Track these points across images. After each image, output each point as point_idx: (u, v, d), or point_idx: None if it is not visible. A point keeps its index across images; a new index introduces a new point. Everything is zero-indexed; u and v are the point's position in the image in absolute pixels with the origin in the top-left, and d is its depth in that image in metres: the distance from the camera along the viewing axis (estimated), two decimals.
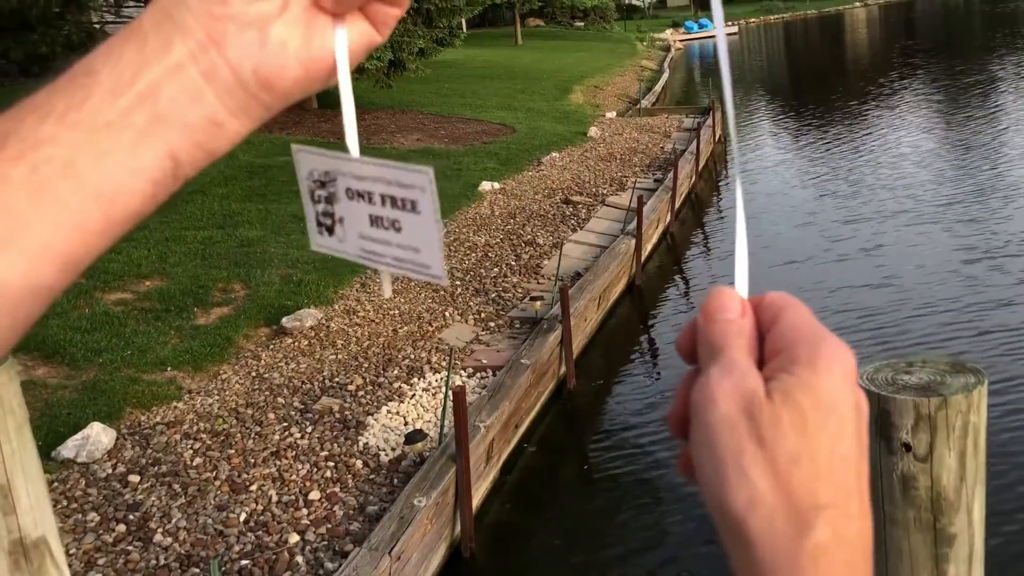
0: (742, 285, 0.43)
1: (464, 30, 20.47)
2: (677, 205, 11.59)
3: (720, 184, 14.26)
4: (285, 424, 5.46)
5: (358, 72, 15.49)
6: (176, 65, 0.42)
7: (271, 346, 6.58)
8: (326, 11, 0.45)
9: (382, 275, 0.50)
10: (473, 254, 8.86)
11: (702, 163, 14.02)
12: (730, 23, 51.23)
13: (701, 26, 48.75)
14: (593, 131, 15.92)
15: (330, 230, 0.51)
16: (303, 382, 6.03)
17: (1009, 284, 8.18)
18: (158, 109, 0.41)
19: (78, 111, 0.40)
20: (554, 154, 13.79)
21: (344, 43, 0.45)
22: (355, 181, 0.48)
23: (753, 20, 55.93)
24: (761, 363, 0.40)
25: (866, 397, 0.40)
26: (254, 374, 6.14)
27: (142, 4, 18.54)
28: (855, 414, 0.39)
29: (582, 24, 43.73)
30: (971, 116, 17.01)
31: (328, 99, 17.51)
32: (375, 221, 0.47)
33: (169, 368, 6.12)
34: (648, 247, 9.95)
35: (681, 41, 44.34)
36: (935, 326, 7.41)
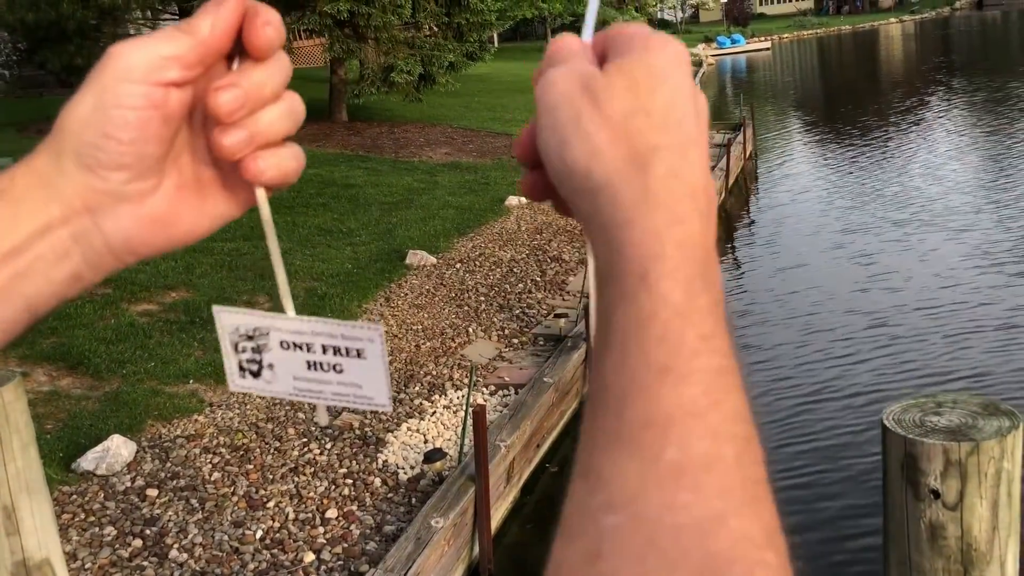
0: (587, 35, 0.46)
1: (495, 44, 20.54)
2: None
3: (750, 200, 14.11)
4: (305, 439, 5.44)
5: (388, 86, 15.58)
6: (46, 226, 0.44)
7: None
8: (206, 182, 0.49)
9: (318, 406, 0.51)
10: (498, 269, 8.82)
11: (732, 179, 13.89)
12: (763, 38, 50.97)
13: (734, 41, 48.52)
14: None
15: (256, 374, 0.52)
16: None
17: None
18: (20, 267, 0.44)
19: None
20: None
21: (266, 204, 0.49)
22: (292, 335, 0.49)
23: (786, 36, 55.55)
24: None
25: (704, 97, 0.43)
26: None
27: (177, 16, 18.81)
28: (690, 97, 0.42)
29: None
30: (1010, 134, 16.70)
31: (359, 112, 17.60)
32: (313, 366, 0.49)
33: (191, 380, 6.12)
34: None
35: (713, 56, 44.15)
36: (967, 361, 7.14)
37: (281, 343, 0.49)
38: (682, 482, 0.34)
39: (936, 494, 1.51)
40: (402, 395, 6.07)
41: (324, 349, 0.48)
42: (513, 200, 11.42)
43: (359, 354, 0.47)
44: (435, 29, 16.37)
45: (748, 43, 48.74)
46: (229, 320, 0.51)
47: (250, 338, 0.50)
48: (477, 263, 8.93)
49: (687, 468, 0.34)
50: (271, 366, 0.50)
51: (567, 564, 0.35)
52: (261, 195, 0.48)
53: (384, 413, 5.80)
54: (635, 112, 0.40)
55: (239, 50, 0.47)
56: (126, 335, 6.67)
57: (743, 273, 10.31)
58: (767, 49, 48.13)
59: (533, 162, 0.44)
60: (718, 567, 0.32)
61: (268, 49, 0.46)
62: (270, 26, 0.46)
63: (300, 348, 0.49)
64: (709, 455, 0.34)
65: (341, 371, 0.48)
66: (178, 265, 8.17)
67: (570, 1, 30.38)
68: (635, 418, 0.35)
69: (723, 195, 13.13)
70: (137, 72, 0.44)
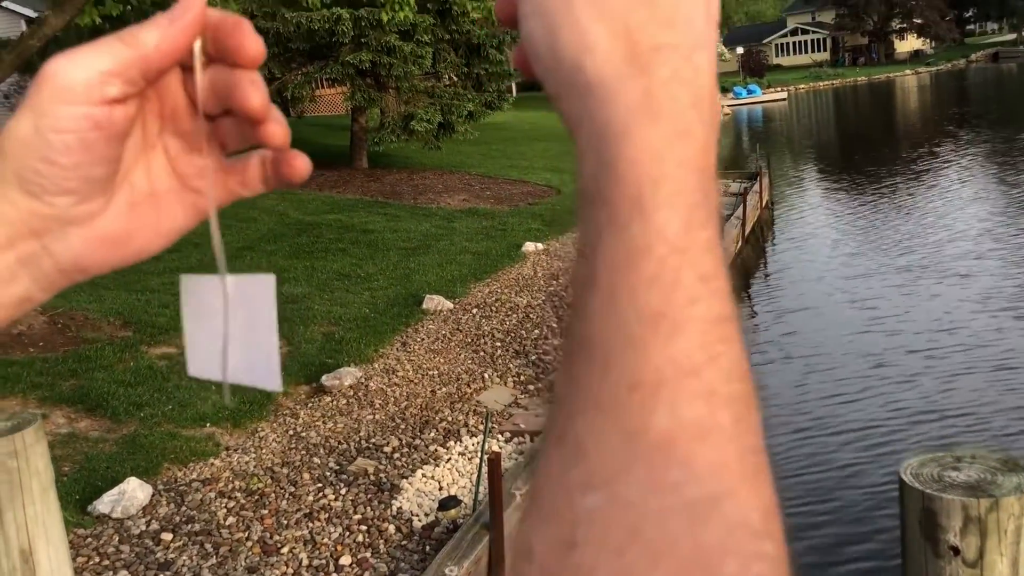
0: None
1: (513, 94, 20.80)
2: None
3: (768, 251, 14.11)
4: (319, 485, 5.42)
5: (408, 134, 15.80)
6: None
7: (310, 404, 6.58)
8: (160, 195, 0.46)
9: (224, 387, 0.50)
10: (514, 315, 8.83)
11: (748, 228, 13.91)
12: (779, 88, 51.35)
13: (750, 91, 48.91)
14: None
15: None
16: (339, 442, 6.00)
17: None
18: None
19: None
20: None
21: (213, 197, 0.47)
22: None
23: (802, 86, 55.96)
24: None
25: None
26: (291, 432, 6.13)
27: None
28: None
29: None
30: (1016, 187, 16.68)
31: (379, 159, 17.82)
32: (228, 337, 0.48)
33: (208, 424, 6.14)
34: None
35: (730, 106, 44.51)
36: (986, 415, 7.07)
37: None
38: (671, 456, 0.29)
39: (956, 551, 1.50)
40: (417, 441, 6.06)
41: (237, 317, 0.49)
42: (530, 246, 11.48)
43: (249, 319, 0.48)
44: (455, 79, 16.64)
45: (764, 93, 49.12)
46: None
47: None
48: (493, 308, 8.95)
49: (678, 438, 0.30)
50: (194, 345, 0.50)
51: (540, 549, 0.30)
52: (213, 207, 0.47)
53: (400, 460, 5.78)
54: (638, 4, 0.35)
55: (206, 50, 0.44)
56: (145, 378, 6.72)
57: (760, 322, 10.28)
58: (783, 100, 48.46)
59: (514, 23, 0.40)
60: (709, 562, 0.28)
61: (258, 61, 0.44)
62: (259, 39, 0.43)
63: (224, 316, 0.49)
64: (703, 422, 0.30)
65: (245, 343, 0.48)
66: None
67: None
68: (621, 377, 0.31)
69: (739, 244, 13.15)
70: (76, 92, 0.40)
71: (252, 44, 0.43)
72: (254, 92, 0.43)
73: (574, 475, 0.30)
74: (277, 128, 0.45)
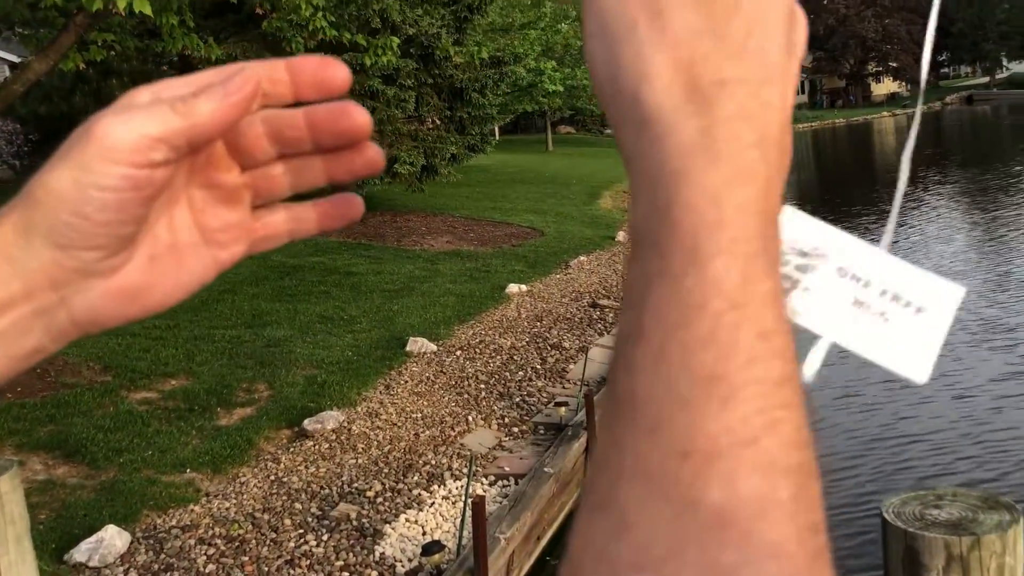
0: None
1: (496, 136, 21.00)
2: None
3: None
4: (301, 531, 5.35)
5: (391, 176, 15.87)
6: (7, 303, 0.41)
7: (291, 449, 6.51)
8: (182, 248, 0.45)
9: (815, 351, 0.43)
10: (498, 356, 8.81)
11: None
12: None
13: None
14: (621, 235, 16.02)
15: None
16: (321, 487, 5.93)
17: None
18: None
19: None
20: (582, 257, 13.87)
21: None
22: (857, 264, 0.43)
23: None
24: None
25: (804, 18, 0.37)
26: (273, 477, 6.06)
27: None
28: (784, 13, 0.35)
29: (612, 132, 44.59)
30: (1000, 224, 16.92)
31: (369, 202, 17.84)
32: (858, 304, 0.42)
33: (188, 469, 6.06)
34: None
35: None
36: (967, 453, 7.09)
37: (839, 270, 0.43)
38: (727, 536, 0.27)
39: None
40: (400, 485, 5.99)
41: (883, 291, 0.42)
42: (513, 287, 11.50)
43: (919, 310, 0.41)
44: (438, 122, 16.78)
45: None
46: (792, 228, 0.44)
47: (804, 255, 0.44)
48: (477, 350, 8.93)
49: (733, 516, 0.28)
50: (806, 290, 0.43)
51: None
52: None
53: (383, 504, 5.72)
54: (705, 32, 0.33)
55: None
56: (124, 423, 6.63)
57: None
58: None
59: None
60: None
61: (347, 87, 0.43)
62: (344, 67, 0.43)
63: (857, 281, 0.42)
64: (761, 498, 0.28)
65: (887, 320, 0.41)
66: (179, 353, 8.17)
67: (569, 95, 31.16)
68: (671, 444, 0.29)
69: None
70: (121, 152, 0.40)
71: (340, 74, 0.43)
72: (359, 111, 0.44)
73: (620, 550, 0.29)
74: (375, 150, 0.46)
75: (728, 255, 0.30)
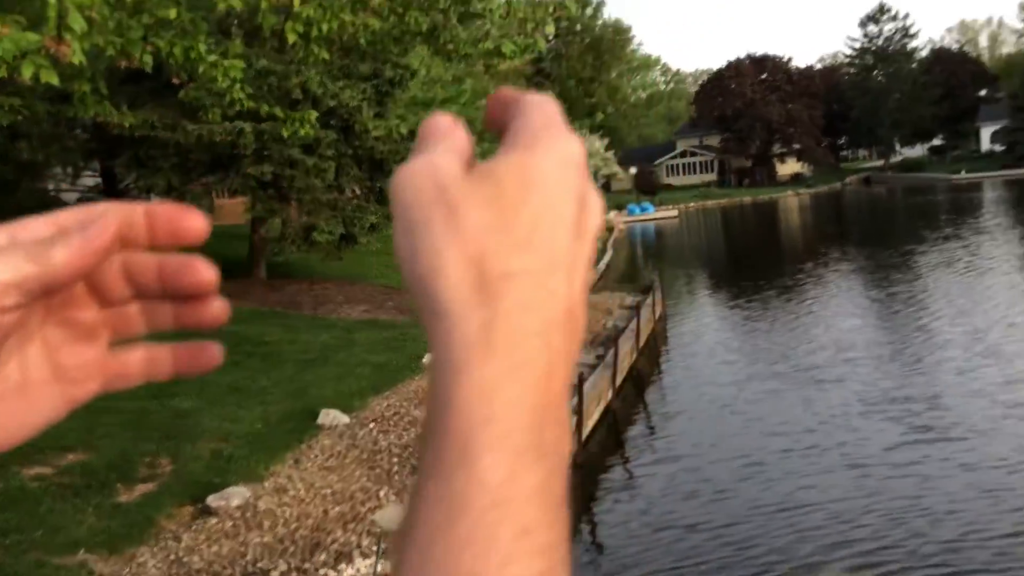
0: None
1: None
2: (619, 382, 11.64)
3: (661, 361, 14.43)
4: None
5: (309, 244, 15.73)
6: None
7: (194, 527, 6.24)
8: (32, 386, 0.44)
9: None
10: (413, 429, 8.69)
11: (643, 340, 14.24)
12: (670, 207, 53.70)
13: (643, 209, 51.01)
14: None
15: None
16: (224, 567, 5.68)
17: (946, 470, 8.24)
18: None
19: None
20: None
21: None
22: None
23: (692, 204, 58.73)
24: None
25: (599, 200, 0.37)
26: (172, 558, 5.78)
27: (98, 175, 18.81)
28: (574, 201, 0.36)
29: None
30: (896, 300, 17.72)
31: (279, 269, 17.62)
32: None
33: (82, 550, 5.75)
34: (590, 424, 9.89)
35: (624, 222, 46.19)
36: (863, 522, 7.26)
37: None
38: None
39: None
40: (307, 565, 5.79)
41: None
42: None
43: None
44: (357, 192, 16.78)
45: (657, 211, 51.31)
46: None
47: None
48: (392, 422, 8.80)
49: None
50: None
51: None
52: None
53: None
54: (494, 227, 0.34)
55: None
56: (15, 500, 6.27)
57: (655, 432, 10.41)
58: (675, 217, 50.66)
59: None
60: None
61: (203, 238, 0.43)
62: (202, 218, 0.43)
63: None
64: None
65: None
66: (78, 425, 7.80)
67: None
68: None
69: (635, 356, 13.42)
70: None
71: (195, 224, 0.43)
72: (205, 269, 0.43)
73: None
74: (221, 304, 0.45)
75: (496, 452, 0.31)
